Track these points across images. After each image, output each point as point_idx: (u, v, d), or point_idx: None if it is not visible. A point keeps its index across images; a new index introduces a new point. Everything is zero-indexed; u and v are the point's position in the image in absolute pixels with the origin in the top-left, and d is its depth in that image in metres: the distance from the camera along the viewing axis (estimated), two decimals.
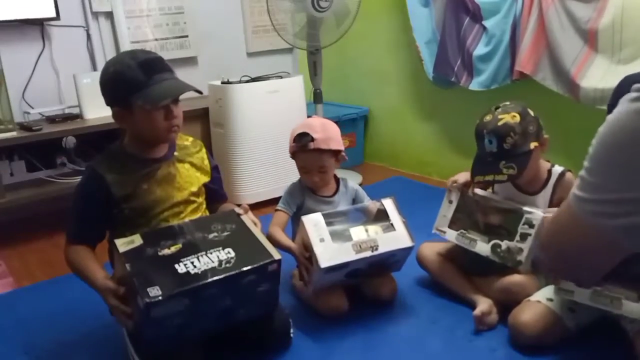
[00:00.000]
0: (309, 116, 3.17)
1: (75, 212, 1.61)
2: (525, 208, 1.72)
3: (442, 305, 1.88)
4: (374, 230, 1.77)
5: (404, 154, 3.50)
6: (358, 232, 1.75)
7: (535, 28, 2.54)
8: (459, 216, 1.86)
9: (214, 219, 1.57)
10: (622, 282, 1.45)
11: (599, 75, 2.33)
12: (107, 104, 1.58)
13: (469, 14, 2.82)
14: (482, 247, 1.77)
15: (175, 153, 1.68)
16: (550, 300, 1.62)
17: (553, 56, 2.51)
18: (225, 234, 1.48)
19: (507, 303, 1.71)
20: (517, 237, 1.70)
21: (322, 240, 1.70)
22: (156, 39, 3.25)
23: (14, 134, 2.55)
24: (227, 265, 1.37)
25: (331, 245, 1.70)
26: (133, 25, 3.16)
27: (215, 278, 1.34)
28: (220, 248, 1.42)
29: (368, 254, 1.71)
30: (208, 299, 1.35)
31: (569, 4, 2.41)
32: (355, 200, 2.01)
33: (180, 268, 1.35)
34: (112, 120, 2.83)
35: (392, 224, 1.80)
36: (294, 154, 1.94)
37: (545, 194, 1.78)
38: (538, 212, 1.68)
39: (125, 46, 3.13)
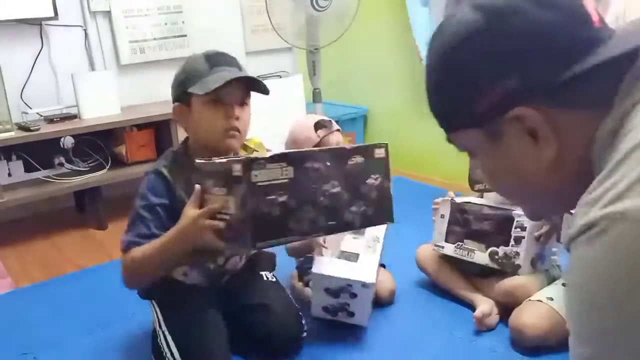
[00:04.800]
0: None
1: (140, 220, 1.42)
2: (516, 211, 1.72)
3: (441, 306, 1.87)
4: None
5: (403, 153, 3.49)
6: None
7: None
8: (454, 228, 1.86)
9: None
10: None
11: None
12: (173, 101, 1.49)
13: None
14: (481, 257, 1.77)
15: None
16: (551, 299, 1.62)
17: None
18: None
19: (509, 305, 1.70)
20: (512, 242, 1.71)
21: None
22: (155, 38, 3.23)
23: (11, 134, 2.54)
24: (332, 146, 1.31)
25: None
26: (131, 24, 3.15)
27: (319, 149, 1.28)
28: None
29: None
30: (313, 175, 1.23)
31: None
32: None
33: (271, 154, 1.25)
34: (109, 121, 2.84)
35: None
36: (317, 147, 1.81)
37: None
38: None
39: (124, 46, 3.13)
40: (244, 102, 1.45)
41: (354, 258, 1.70)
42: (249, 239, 1.19)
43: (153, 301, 1.62)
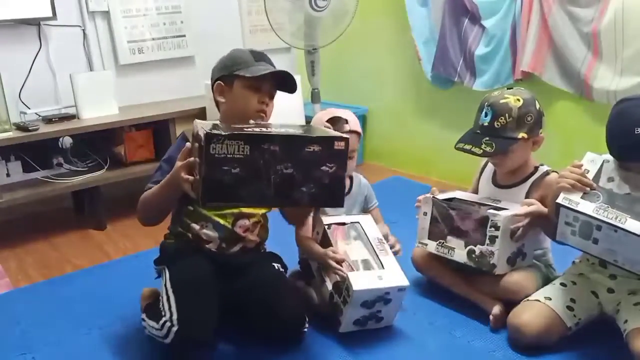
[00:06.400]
0: (307, 116, 3.18)
1: (157, 169, 1.71)
2: (490, 211, 1.71)
3: (439, 306, 1.87)
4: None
5: (402, 153, 3.49)
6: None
7: (538, 29, 2.55)
8: (437, 226, 1.85)
9: (289, 125, 1.61)
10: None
11: (609, 76, 2.35)
12: (213, 81, 1.74)
13: (468, 14, 2.82)
14: (460, 255, 1.77)
15: None
16: (549, 299, 1.62)
17: (560, 57, 2.53)
18: (298, 127, 1.54)
19: (508, 301, 1.71)
20: (487, 241, 1.70)
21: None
22: (153, 39, 3.23)
23: (10, 134, 2.54)
24: (294, 133, 1.42)
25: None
26: (130, 24, 3.15)
27: (279, 133, 1.39)
28: (290, 129, 1.48)
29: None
30: (268, 156, 1.36)
31: (570, 9, 2.43)
32: (365, 200, 1.99)
33: (248, 130, 1.41)
34: (107, 121, 2.84)
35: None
36: None
37: (522, 189, 1.78)
38: (501, 214, 1.68)
39: (122, 46, 3.12)
40: (272, 95, 1.73)
41: (375, 265, 1.72)
42: (200, 197, 1.38)
43: (165, 267, 1.73)
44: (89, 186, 2.77)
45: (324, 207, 1.70)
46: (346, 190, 1.95)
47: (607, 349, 1.58)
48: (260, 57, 1.72)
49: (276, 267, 1.83)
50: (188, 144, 1.49)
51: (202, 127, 1.38)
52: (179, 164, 1.47)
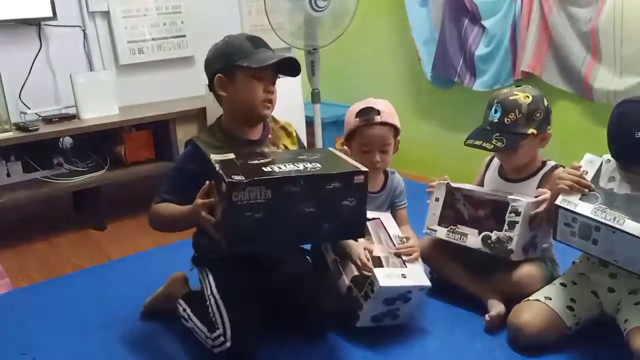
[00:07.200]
0: (307, 116, 3.18)
1: (169, 178, 1.69)
2: (510, 197, 1.72)
3: (440, 307, 1.87)
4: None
5: (402, 153, 3.47)
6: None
7: (538, 29, 2.55)
8: (448, 212, 1.86)
9: (305, 149, 1.62)
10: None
11: (609, 76, 2.35)
12: (211, 74, 1.67)
13: (468, 14, 2.82)
14: (473, 241, 1.77)
15: (270, 136, 1.74)
16: (549, 298, 1.62)
17: (560, 57, 2.53)
18: (314, 157, 1.50)
19: (517, 297, 1.69)
20: (506, 226, 1.70)
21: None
22: (153, 39, 3.23)
23: (10, 134, 2.54)
24: (313, 170, 1.39)
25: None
26: (130, 24, 3.15)
27: (299, 174, 1.36)
28: (308, 162, 1.44)
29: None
30: (290, 197, 1.34)
31: (570, 9, 2.43)
32: (395, 196, 2.00)
33: (267, 169, 1.39)
34: (108, 121, 2.83)
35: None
36: (353, 133, 1.89)
37: (532, 183, 1.79)
38: (522, 200, 1.69)
39: (122, 46, 3.12)
40: (274, 81, 1.67)
41: (396, 262, 1.72)
42: (225, 244, 1.38)
43: (206, 268, 1.73)
44: (89, 186, 2.77)
45: (344, 240, 1.68)
46: (379, 188, 1.97)
47: (607, 349, 1.58)
48: (259, 43, 1.65)
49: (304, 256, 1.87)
50: (201, 200, 1.45)
51: (220, 167, 1.37)
52: (199, 201, 1.45)
